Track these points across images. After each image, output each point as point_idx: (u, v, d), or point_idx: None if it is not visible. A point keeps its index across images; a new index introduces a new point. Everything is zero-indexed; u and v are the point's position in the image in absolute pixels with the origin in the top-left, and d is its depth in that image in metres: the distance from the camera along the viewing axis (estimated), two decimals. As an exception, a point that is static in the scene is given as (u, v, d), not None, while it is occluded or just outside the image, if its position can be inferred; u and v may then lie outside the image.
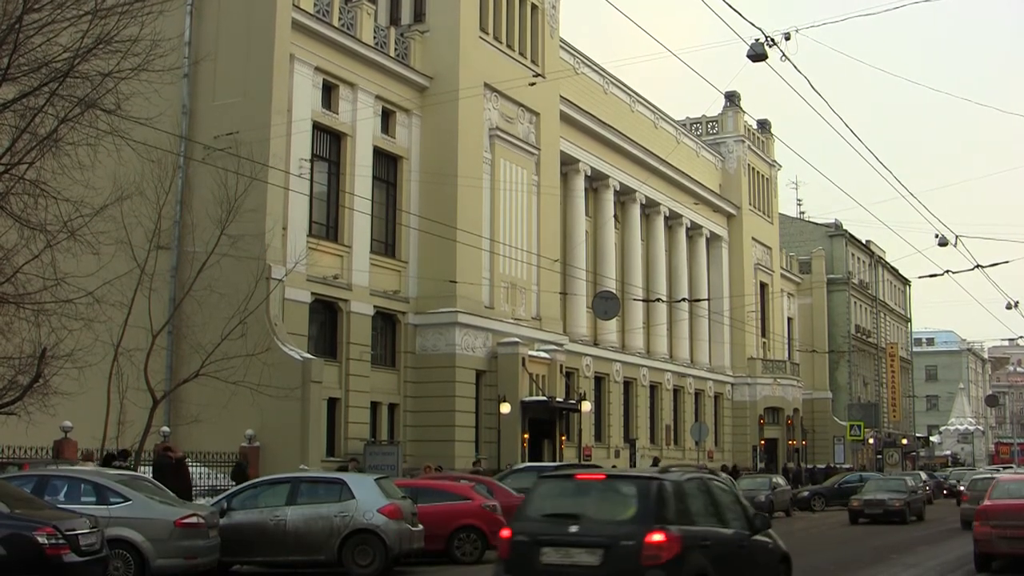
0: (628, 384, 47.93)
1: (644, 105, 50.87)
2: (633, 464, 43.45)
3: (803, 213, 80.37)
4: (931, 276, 32.84)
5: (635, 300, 45.89)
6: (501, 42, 37.16)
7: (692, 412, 53.67)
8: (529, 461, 32.64)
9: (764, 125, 63.58)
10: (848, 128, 24.91)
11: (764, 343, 63.02)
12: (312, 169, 30.15)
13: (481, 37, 36.03)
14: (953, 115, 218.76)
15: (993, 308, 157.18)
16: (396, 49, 33.92)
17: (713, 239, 58.10)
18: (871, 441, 66.31)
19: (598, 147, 45.37)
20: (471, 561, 18.85)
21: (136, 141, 20.16)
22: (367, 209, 31.77)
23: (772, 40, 16.36)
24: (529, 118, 38.86)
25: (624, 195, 48.81)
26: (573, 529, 9.78)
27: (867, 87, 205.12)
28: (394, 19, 36.68)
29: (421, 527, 17.47)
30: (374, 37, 32.93)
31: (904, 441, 76.16)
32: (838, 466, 58.09)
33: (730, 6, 15.70)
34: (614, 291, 41.17)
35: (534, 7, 39.37)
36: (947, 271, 30.94)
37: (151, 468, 20.82)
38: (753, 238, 61.32)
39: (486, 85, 35.86)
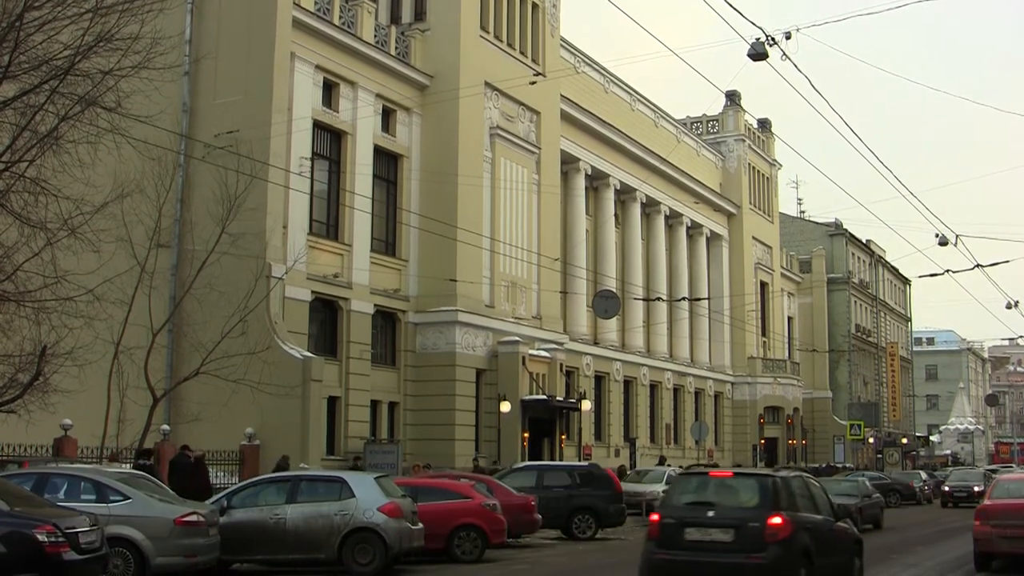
0: (628, 383, 47.94)
1: (644, 104, 50.87)
2: (633, 463, 43.50)
3: (803, 212, 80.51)
4: (931, 276, 32.81)
5: (635, 299, 45.89)
6: (502, 41, 37.16)
7: (692, 411, 53.69)
8: (529, 460, 32.64)
9: (764, 124, 63.59)
10: (848, 127, 24.96)
11: (764, 342, 63.04)
12: (312, 167, 30.14)
13: (482, 36, 36.02)
14: (953, 115, 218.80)
15: (993, 308, 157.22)
16: (397, 48, 33.91)
17: (713, 238, 58.10)
18: (871, 440, 66.33)
19: (598, 146, 45.37)
20: (471, 560, 18.85)
21: (136, 139, 20.14)
22: (367, 208, 31.76)
23: (773, 39, 16.35)
24: (529, 117, 38.86)
25: (624, 194, 48.81)
26: (710, 514, 12.52)
27: (867, 87, 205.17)
28: (395, 18, 36.69)
29: (421, 526, 17.46)
30: (375, 36, 32.92)
31: (904, 440, 76.21)
32: (838, 465, 58.07)
33: (731, 5, 15.70)
34: (614, 290, 41.19)
35: (535, 6, 39.36)
36: (947, 271, 30.93)
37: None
38: (753, 237, 61.33)
39: (486, 84, 35.86)
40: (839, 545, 13.66)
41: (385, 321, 33.36)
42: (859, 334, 76.55)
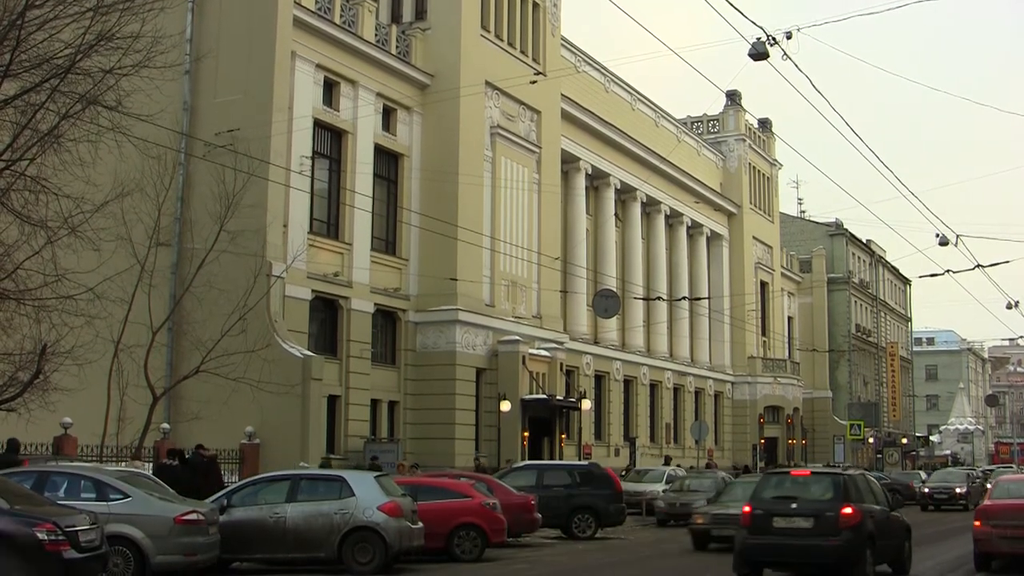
0: (628, 382, 47.93)
1: (645, 103, 50.86)
2: (634, 463, 43.54)
3: (804, 212, 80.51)
4: (931, 276, 32.79)
5: (635, 299, 45.88)
6: (502, 40, 37.15)
7: (692, 411, 53.68)
8: (529, 459, 32.64)
9: (765, 124, 63.57)
10: (849, 127, 24.95)
11: (764, 342, 63.03)
12: (313, 166, 30.13)
13: (482, 35, 36.01)
14: (953, 115, 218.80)
15: (993, 308, 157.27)
16: (397, 47, 33.90)
17: (714, 238, 58.09)
18: (871, 440, 66.28)
19: (599, 145, 45.36)
20: (471, 559, 18.84)
21: (137, 138, 20.15)
22: (368, 206, 31.75)
23: (773, 39, 16.33)
24: (530, 116, 38.85)
25: (625, 193, 48.81)
26: (793, 506, 15.13)
27: (868, 87, 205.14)
28: (395, 17, 36.68)
29: (421, 525, 17.45)
30: (375, 35, 32.91)
31: (904, 440, 76.16)
32: (839, 465, 58.05)
33: (732, 5, 15.69)
34: (614, 289, 41.18)
35: (535, 5, 39.35)
36: (947, 271, 30.90)
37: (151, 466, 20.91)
38: (754, 237, 61.32)
39: (487, 83, 35.85)
40: (894, 530, 16.35)
41: (385, 320, 33.36)
42: (859, 334, 76.54)
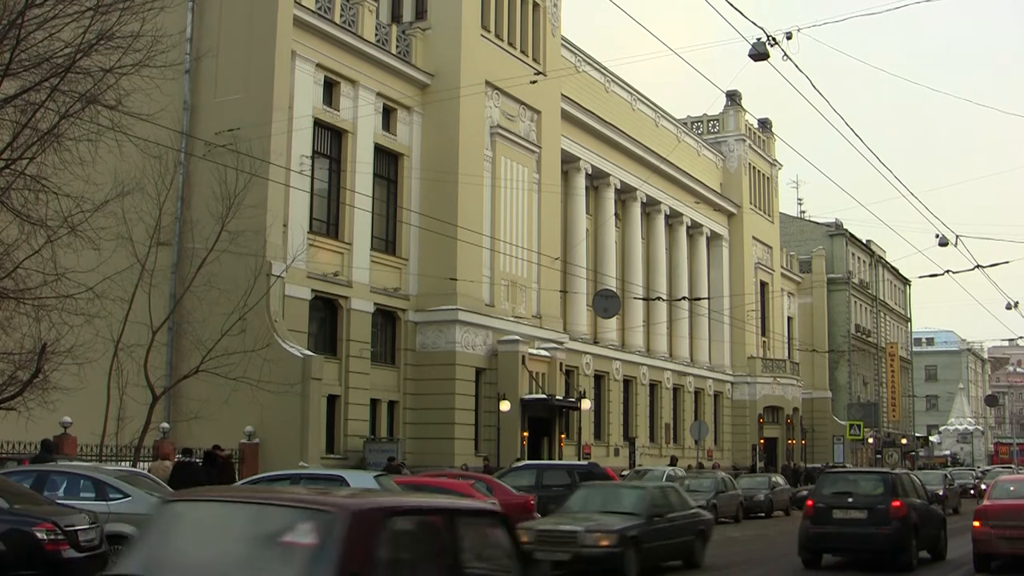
0: (628, 382, 47.93)
1: (645, 104, 50.85)
2: (632, 463, 43.52)
3: (804, 212, 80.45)
4: (931, 276, 32.75)
5: (635, 299, 45.86)
6: (503, 40, 37.15)
7: (692, 411, 53.67)
8: (528, 459, 32.63)
9: (765, 124, 63.56)
10: (849, 127, 24.92)
11: (764, 342, 63.02)
12: (313, 166, 30.14)
13: (483, 35, 36.01)
14: (953, 115, 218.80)
15: (993, 308, 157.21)
16: (397, 46, 33.89)
17: (713, 238, 58.09)
18: (870, 441, 66.29)
19: (599, 145, 45.36)
20: (470, 559, 18.77)
21: (137, 137, 20.14)
22: (368, 206, 31.75)
23: (774, 39, 16.31)
24: (530, 116, 38.85)
25: (625, 193, 48.80)
26: (850, 500, 17.64)
27: (868, 87, 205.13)
28: (396, 16, 36.68)
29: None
30: (375, 34, 32.91)
31: (903, 441, 76.13)
32: (836, 465, 58.04)
33: (732, 5, 15.67)
34: (614, 289, 41.16)
35: (535, 5, 39.34)
36: (947, 271, 30.87)
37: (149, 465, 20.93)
38: (753, 237, 61.31)
39: (487, 83, 35.84)
40: (933, 522, 18.91)
41: (385, 320, 33.35)
42: (859, 334, 76.53)
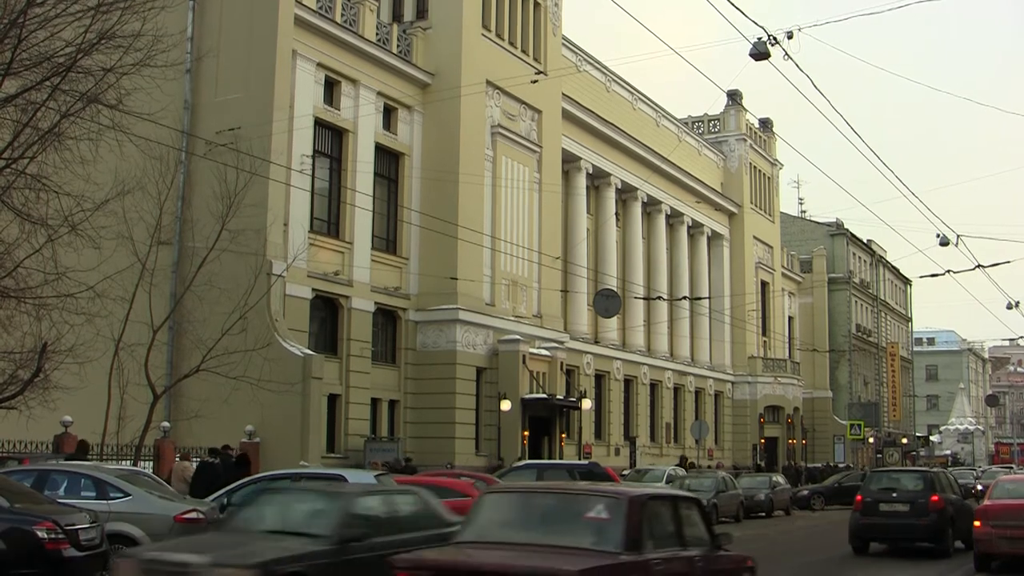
0: (628, 382, 47.93)
1: (646, 103, 50.84)
2: (633, 463, 43.51)
3: (804, 212, 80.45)
4: (932, 276, 32.60)
5: (636, 298, 45.86)
6: (503, 39, 37.14)
7: (692, 410, 53.67)
8: (529, 459, 32.63)
9: (766, 124, 63.55)
10: (850, 127, 24.94)
11: (765, 342, 63.01)
12: (313, 165, 30.13)
13: (483, 34, 36.00)
14: (954, 115, 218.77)
15: (993, 308, 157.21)
16: (398, 46, 33.89)
17: (714, 237, 58.09)
18: (871, 440, 66.32)
19: (600, 145, 45.35)
20: (470, 558, 18.75)
21: (138, 136, 20.14)
22: (368, 205, 31.74)
23: (775, 39, 16.30)
24: (531, 115, 38.84)
25: (625, 193, 48.80)
26: (894, 495, 20.35)
27: (869, 86, 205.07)
28: (396, 16, 36.68)
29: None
30: (376, 33, 32.90)
31: (904, 440, 76.17)
32: (839, 465, 58.05)
33: (733, 4, 15.66)
34: (615, 289, 41.16)
35: (536, 4, 39.33)
36: (948, 271, 30.82)
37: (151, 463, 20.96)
38: (754, 237, 61.30)
39: (488, 82, 35.83)
40: (966, 515, 20.28)
41: (386, 319, 33.35)
42: (859, 334, 76.53)
